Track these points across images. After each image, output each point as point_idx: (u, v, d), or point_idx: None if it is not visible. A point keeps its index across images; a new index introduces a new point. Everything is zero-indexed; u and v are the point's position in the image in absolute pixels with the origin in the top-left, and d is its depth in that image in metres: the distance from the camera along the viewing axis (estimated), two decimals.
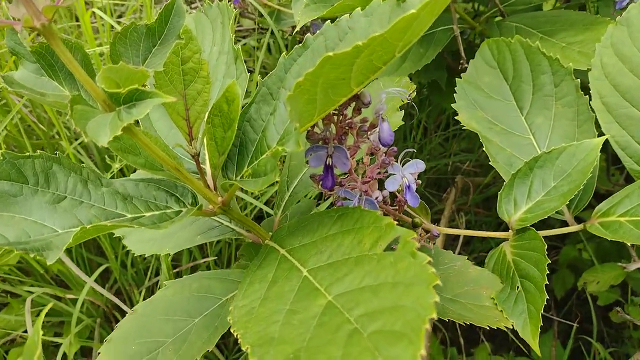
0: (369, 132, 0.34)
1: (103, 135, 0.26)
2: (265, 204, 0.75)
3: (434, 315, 0.22)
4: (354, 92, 0.29)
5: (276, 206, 0.44)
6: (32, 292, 0.73)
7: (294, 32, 0.77)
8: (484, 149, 0.52)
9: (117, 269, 0.76)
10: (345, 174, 0.36)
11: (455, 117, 0.54)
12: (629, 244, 0.60)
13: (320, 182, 0.34)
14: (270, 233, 0.40)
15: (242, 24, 1.03)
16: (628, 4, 0.53)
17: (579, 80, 0.49)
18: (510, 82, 0.53)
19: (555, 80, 0.50)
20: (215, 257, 0.76)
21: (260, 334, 0.27)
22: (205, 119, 0.36)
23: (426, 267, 0.24)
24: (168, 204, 0.37)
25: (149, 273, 0.76)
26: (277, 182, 0.46)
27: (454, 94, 0.54)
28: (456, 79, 0.55)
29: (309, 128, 0.32)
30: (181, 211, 0.36)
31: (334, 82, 0.27)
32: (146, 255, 0.45)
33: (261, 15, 0.87)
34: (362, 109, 0.33)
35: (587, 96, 0.49)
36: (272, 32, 0.86)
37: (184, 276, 0.43)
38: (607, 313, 0.87)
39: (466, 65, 0.56)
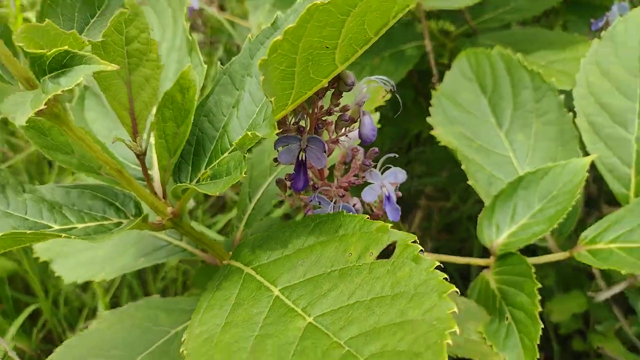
0: (347, 127, 0.29)
1: (21, 113, 0.20)
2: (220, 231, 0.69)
3: (456, 329, 0.16)
4: (337, 71, 0.24)
5: (237, 220, 0.38)
6: None
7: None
8: (444, 174, 0.49)
9: (47, 308, 0.66)
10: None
11: (431, 132, 0.51)
12: (595, 271, 0.58)
13: (291, 182, 0.29)
14: (231, 252, 0.34)
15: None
16: (604, 26, 0.52)
17: (562, 97, 0.47)
18: (489, 96, 0.50)
19: (536, 96, 0.47)
20: (160, 294, 0.68)
21: None
22: (153, 112, 0.30)
23: (435, 273, 0.19)
24: (106, 214, 0.30)
25: (84, 312, 0.67)
26: (240, 182, 0.39)
27: (430, 108, 0.51)
28: (432, 91, 0.52)
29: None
30: (121, 223, 0.30)
31: (317, 51, 0.22)
32: (79, 282, 0.38)
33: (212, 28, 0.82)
34: (342, 94, 0.28)
35: (571, 114, 0.47)
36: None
37: (125, 305, 0.35)
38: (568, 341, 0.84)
39: (437, 83, 0.54)
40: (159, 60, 0.29)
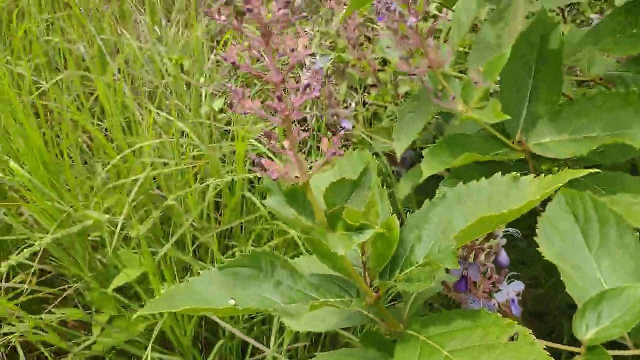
0: (492, 256, 0.51)
1: (340, 246, 0.44)
2: None
3: None
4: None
5: (404, 303, 0.60)
6: None
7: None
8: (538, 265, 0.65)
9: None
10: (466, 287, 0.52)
11: (537, 249, 0.69)
12: None
13: (455, 287, 0.50)
14: (401, 324, 0.56)
15: None
16: None
17: (637, 234, 0.64)
18: (581, 227, 0.69)
19: (618, 232, 0.65)
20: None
21: None
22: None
23: (544, 352, 0.39)
24: (341, 294, 0.54)
25: None
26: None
27: (536, 229, 0.70)
28: (537, 217, 0.71)
29: None
30: (351, 301, 0.53)
31: (479, 231, 0.44)
32: (301, 331, 0.61)
33: None
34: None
35: None
36: None
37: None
38: None
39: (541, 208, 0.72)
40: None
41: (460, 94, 0.66)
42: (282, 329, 0.81)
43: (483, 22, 0.75)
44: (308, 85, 0.40)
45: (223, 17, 0.41)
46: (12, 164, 0.62)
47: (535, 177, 0.49)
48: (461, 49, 0.86)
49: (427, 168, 0.66)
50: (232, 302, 0.47)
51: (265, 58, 0.42)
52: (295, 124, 0.49)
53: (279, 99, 0.40)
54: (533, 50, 0.70)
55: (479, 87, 0.65)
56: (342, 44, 1.02)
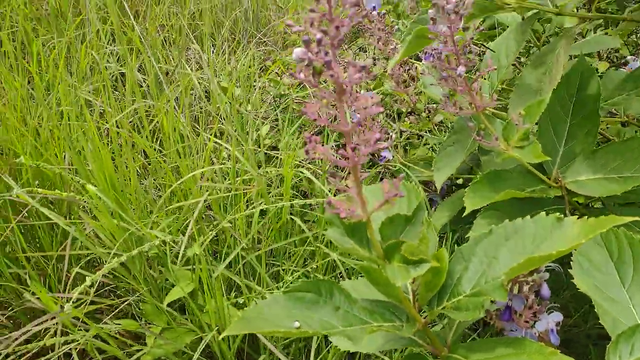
0: (535, 288, 0.55)
1: (399, 278, 0.49)
2: None
3: None
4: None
5: (449, 327, 0.64)
6: None
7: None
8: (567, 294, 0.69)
9: None
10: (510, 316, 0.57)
11: (572, 280, 0.73)
12: None
13: (499, 316, 0.55)
14: (445, 347, 0.60)
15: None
16: None
17: None
18: (615, 261, 0.72)
19: None
20: None
21: None
22: None
23: None
24: (392, 319, 0.58)
25: None
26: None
27: (571, 262, 0.74)
28: (573, 251, 0.75)
29: None
30: (402, 325, 0.58)
31: (525, 268, 0.49)
32: (342, 350, 0.66)
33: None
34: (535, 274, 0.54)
35: None
36: None
37: None
38: None
39: None
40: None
41: (501, 134, 0.71)
42: (319, 346, 0.86)
43: (524, 66, 0.80)
44: (379, 138, 0.45)
45: (302, 76, 0.47)
46: (89, 186, 0.69)
47: (578, 218, 0.53)
48: (500, 86, 0.91)
49: (470, 204, 0.71)
50: (297, 324, 0.53)
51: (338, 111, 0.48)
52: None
53: (352, 149, 0.46)
54: (571, 93, 0.75)
55: (520, 128, 0.69)
56: (384, 76, 1.08)
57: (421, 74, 0.84)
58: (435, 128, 1.33)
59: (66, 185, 0.84)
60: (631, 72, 0.76)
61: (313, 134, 0.47)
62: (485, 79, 0.84)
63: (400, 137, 1.28)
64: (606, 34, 0.91)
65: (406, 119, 1.23)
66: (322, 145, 0.50)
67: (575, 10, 0.76)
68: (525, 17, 0.81)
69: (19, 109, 0.91)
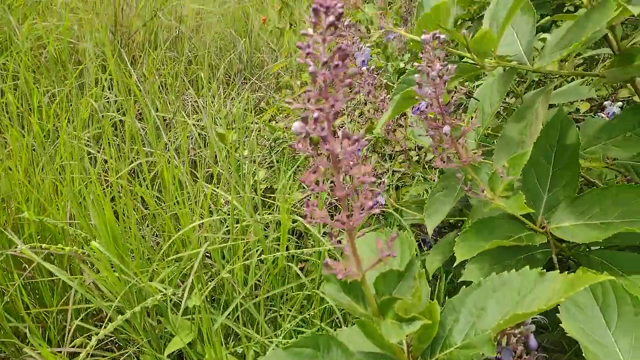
0: (522, 340, 0.58)
1: (393, 336, 0.51)
2: None
3: None
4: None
5: None
6: None
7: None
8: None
9: None
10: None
11: (560, 325, 0.76)
12: None
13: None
14: None
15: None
16: None
17: None
18: (600, 305, 0.75)
19: (635, 311, 0.71)
20: None
21: None
22: None
23: None
24: None
25: None
26: None
27: (559, 306, 0.77)
28: None
29: None
30: None
31: (511, 323, 0.51)
32: None
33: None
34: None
35: None
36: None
37: None
38: None
39: None
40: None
41: (487, 184, 0.75)
42: None
43: (506, 121, 0.84)
44: (373, 206, 0.48)
45: (300, 146, 0.51)
46: (94, 243, 0.72)
47: (559, 273, 0.56)
48: (485, 132, 0.95)
49: (460, 254, 0.74)
50: None
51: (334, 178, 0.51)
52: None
53: (347, 216, 0.49)
54: (552, 143, 0.79)
55: (504, 179, 0.73)
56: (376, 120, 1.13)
57: (410, 125, 0.88)
58: (427, 167, 1.37)
59: (68, 238, 0.87)
60: (607, 121, 0.80)
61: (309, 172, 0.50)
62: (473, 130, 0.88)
63: (393, 175, 1.32)
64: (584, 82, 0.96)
65: (398, 158, 1.27)
66: (320, 209, 0.53)
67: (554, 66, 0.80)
68: (506, 69, 0.86)
69: (23, 162, 0.94)
